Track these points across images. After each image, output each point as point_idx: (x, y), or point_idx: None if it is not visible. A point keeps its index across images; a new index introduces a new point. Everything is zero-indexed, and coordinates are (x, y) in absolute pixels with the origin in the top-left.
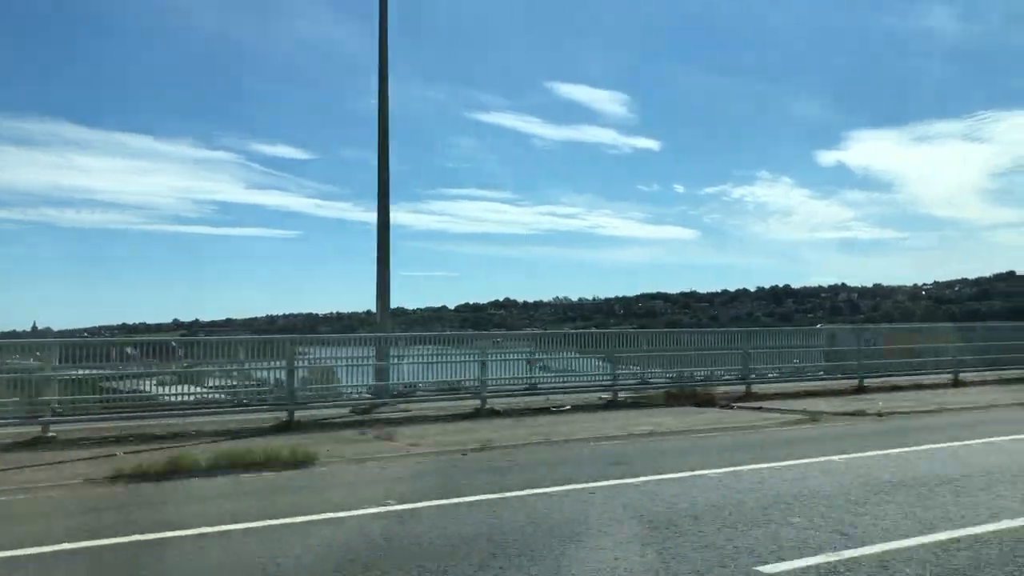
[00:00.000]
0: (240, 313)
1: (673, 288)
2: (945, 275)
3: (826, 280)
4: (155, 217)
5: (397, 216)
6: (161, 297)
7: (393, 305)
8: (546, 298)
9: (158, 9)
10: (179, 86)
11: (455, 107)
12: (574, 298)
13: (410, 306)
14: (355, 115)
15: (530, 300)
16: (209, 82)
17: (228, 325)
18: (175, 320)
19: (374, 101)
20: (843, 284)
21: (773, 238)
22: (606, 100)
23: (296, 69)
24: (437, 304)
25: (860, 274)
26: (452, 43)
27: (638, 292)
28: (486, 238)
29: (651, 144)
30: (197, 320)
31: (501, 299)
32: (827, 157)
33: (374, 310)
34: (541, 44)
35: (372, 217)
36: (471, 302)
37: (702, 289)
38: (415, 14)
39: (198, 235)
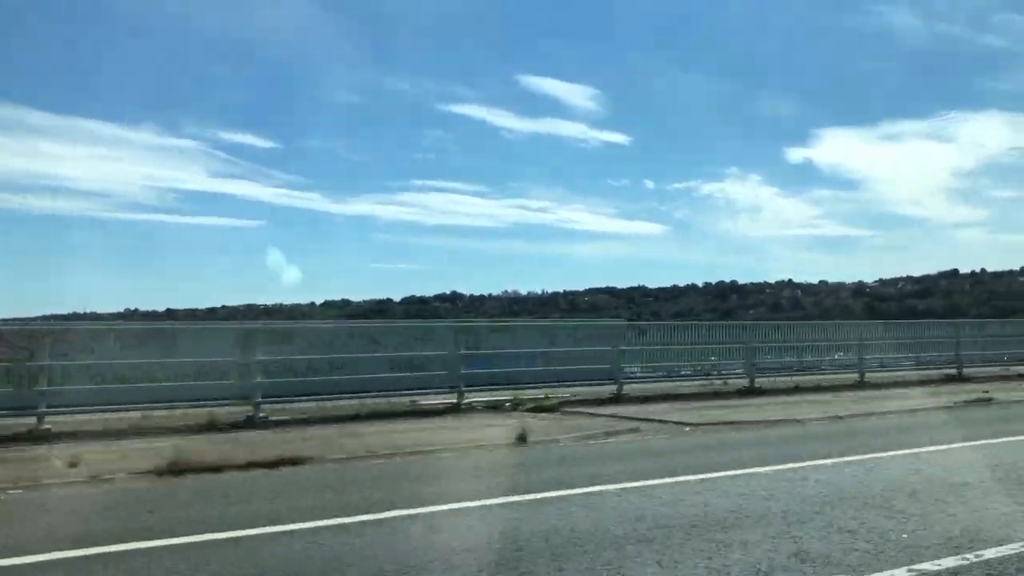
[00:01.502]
0: (194, 304)
1: (639, 282)
2: (904, 273)
3: (794, 277)
4: (115, 205)
5: (363, 208)
6: (114, 286)
7: (337, 296)
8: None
9: None
10: (142, 72)
11: (424, 98)
12: (523, 292)
13: (355, 298)
14: (321, 105)
15: (476, 293)
16: (173, 68)
17: (169, 316)
18: (127, 309)
19: (341, 90)
20: (789, 280)
21: (742, 234)
22: (576, 94)
23: (262, 57)
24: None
25: (827, 271)
26: (420, 34)
27: (587, 287)
28: (455, 231)
29: (621, 139)
30: (137, 309)
31: (448, 292)
32: (795, 154)
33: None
34: (511, 36)
35: (340, 208)
36: (417, 295)
37: (666, 284)
38: (382, 3)
39: (159, 223)
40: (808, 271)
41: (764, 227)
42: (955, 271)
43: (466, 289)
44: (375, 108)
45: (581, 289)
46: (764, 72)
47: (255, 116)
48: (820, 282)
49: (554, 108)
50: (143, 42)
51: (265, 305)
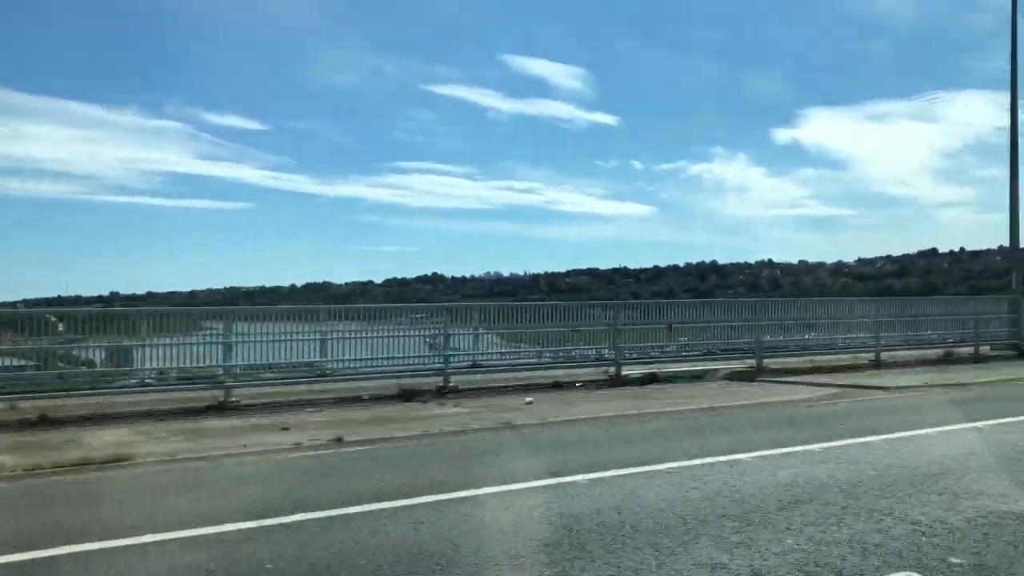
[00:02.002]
0: (177, 286)
1: (627, 264)
2: (887, 253)
3: (782, 257)
4: (100, 187)
5: (350, 189)
6: (100, 269)
7: (319, 279)
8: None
9: None
10: (124, 53)
11: (409, 79)
12: (505, 273)
13: (338, 280)
14: (307, 86)
15: (458, 275)
16: (155, 49)
17: (149, 299)
18: (113, 292)
19: (327, 71)
20: (770, 260)
21: (730, 215)
22: (563, 74)
23: (245, 37)
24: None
25: (814, 251)
26: (405, 14)
27: (575, 268)
28: (441, 212)
29: (609, 120)
30: (116, 292)
31: (429, 274)
32: (782, 135)
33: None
34: (496, 16)
35: (325, 190)
36: (398, 276)
37: (650, 265)
38: None
39: (144, 206)
40: (795, 251)
41: (751, 207)
42: (934, 250)
43: (448, 271)
44: (361, 89)
45: (564, 270)
46: (750, 53)
47: (240, 98)
48: (800, 262)
49: (541, 88)
50: (125, 22)
51: (247, 288)
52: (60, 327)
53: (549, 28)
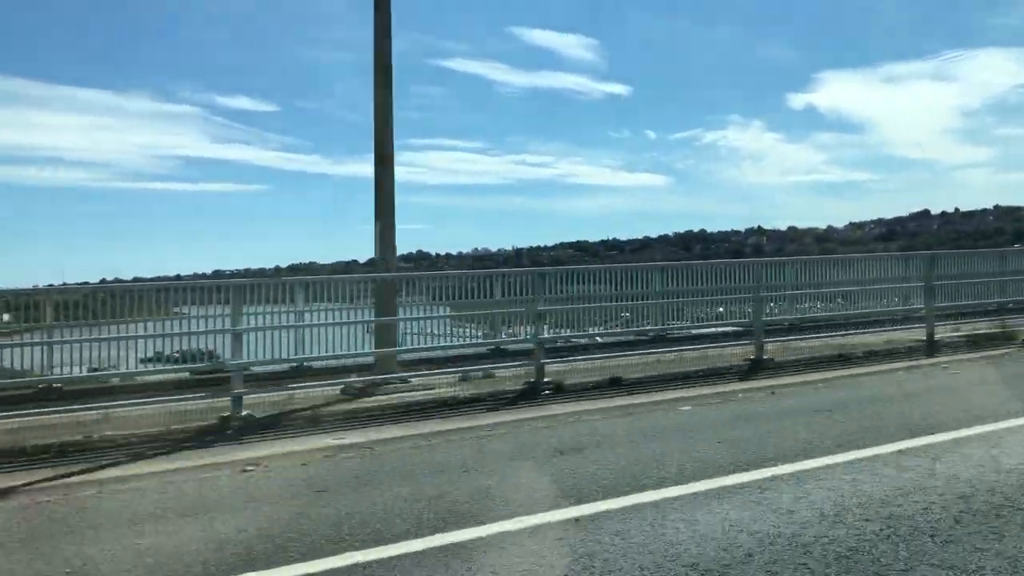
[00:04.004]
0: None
1: (642, 234)
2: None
3: (798, 223)
4: (116, 174)
5: (362, 168)
6: (118, 255)
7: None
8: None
9: None
10: (132, 38)
11: (417, 55)
12: (493, 249)
13: (323, 261)
14: (315, 65)
15: (442, 252)
16: (162, 33)
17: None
18: (135, 278)
19: (333, 49)
20: (759, 227)
21: (746, 182)
22: (573, 45)
23: (253, 18)
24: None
25: (832, 217)
26: None
27: (582, 239)
28: (454, 189)
29: (621, 89)
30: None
31: (414, 251)
32: (797, 100)
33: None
34: None
35: (337, 169)
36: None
37: (660, 233)
38: None
39: (161, 191)
40: (812, 217)
41: (768, 174)
42: (926, 211)
43: (462, 247)
44: (370, 66)
45: (551, 244)
46: (763, 18)
47: (250, 79)
48: (789, 228)
49: (551, 60)
50: (130, 6)
51: (263, 268)
52: (5, 317)
53: None
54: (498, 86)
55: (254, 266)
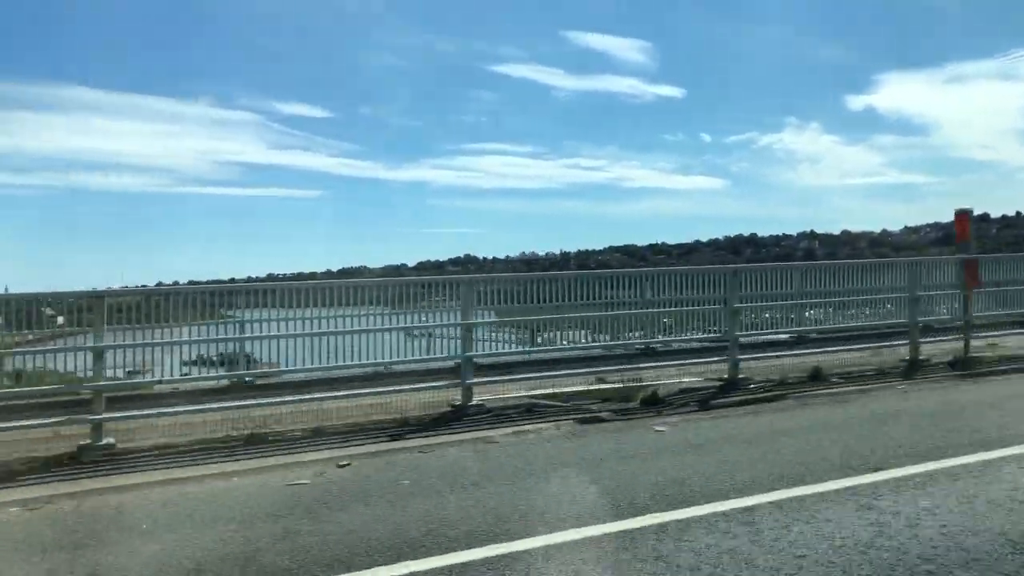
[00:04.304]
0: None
1: (695, 238)
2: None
3: (854, 226)
4: (178, 179)
5: (418, 173)
6: (179, 258)
7: (395, 262)
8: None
9: None
10: (191, 47)
11: (471, 60)
12: (541, 253)
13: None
14: (370, 71)
15: (490, 256)
16: (222, 41)
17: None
18: (191, 281)
19: (389, 55)
20: (811, 231)
21: (803, 185)
22: (626, 48)
23: (310, 26)
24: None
25: (889, 221)
26: None
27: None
28: (509, 193)
29: (675, 92)
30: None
31: (461, 256)
32: (856, 102)
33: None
34: None
35: (394, 175)
36: (432, 259)
37: (719, 236)
38: None
39: (221, 196)
40: (869, 221)
41: (825, 177)
42: (986, 215)
43: (517, 251)
44: (425, 72)
45: (599, 248)
46: (820, 17)
47: (308, 86)
48: (842, 232)
49: (604, 64)
50: (191, 16)
51: (314, 272)
52: (60, 320)
53: (609, 1)
54: (552, 90)
55: (305, 270)
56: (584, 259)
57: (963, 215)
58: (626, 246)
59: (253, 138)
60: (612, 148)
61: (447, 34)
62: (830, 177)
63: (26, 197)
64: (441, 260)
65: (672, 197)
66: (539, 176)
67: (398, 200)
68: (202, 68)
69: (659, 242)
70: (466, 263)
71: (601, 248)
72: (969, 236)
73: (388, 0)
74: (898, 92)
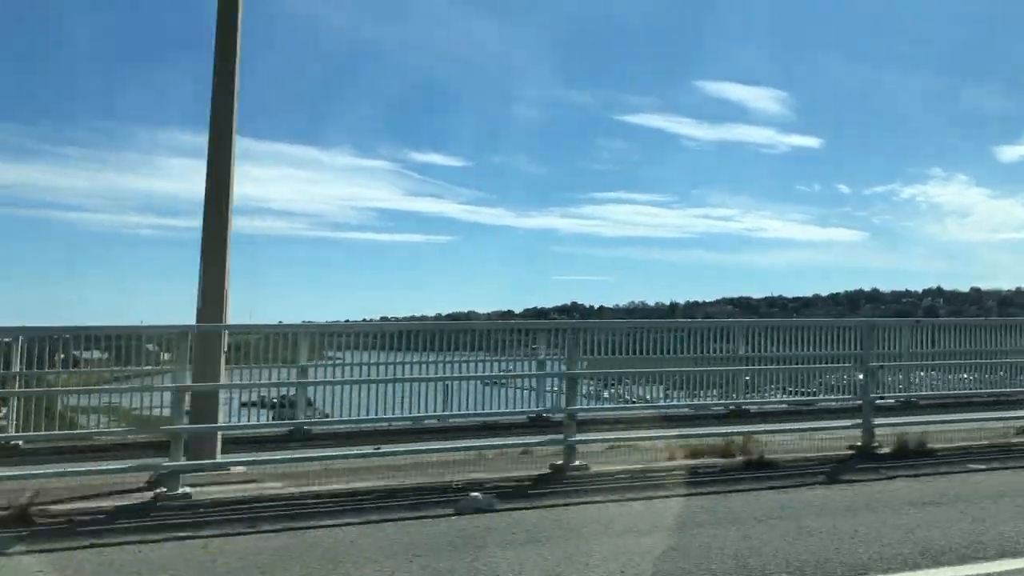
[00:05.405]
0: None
1: (830, 291)
2: None
3: (1001, 284)
4: (319, 224)
5: (545, 221)
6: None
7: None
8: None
9: (302, 19)
10: (335, 99)
11: (601, 109)
12: (651, 303)
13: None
14: (503, 122)
15: (596, 305)
16: (363, 94)
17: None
18: (347, 319)
19: (522, 106)
20: (938, 288)
21: (951, 239)
22: (760, 97)
23: (445, 79)
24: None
25: None
26: (598, 46)
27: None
28: (638, 241)
29: (811, 142)
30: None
31: (568, 303)
32: (1008, 152)
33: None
34: (687, 42)
35: (522, 222)
36: (537, 306)
37: (850, 289)
38: (560, 17)
39: (359, 241)
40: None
41: (974, 231)
42: None
43: (645, 299)
44: (556, 122)
45: (711, 300)
46: (967, 64)
47: (442, 136)
48: (972, 289)
49: (738, 113)
50: (332, 71)
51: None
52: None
53: (742, 51)
54: (681, 139)
55: (418, 313)
56: (691, 310)
57: None
58: (740, 298)
59: (390, 185)
60: (744, 198)
61: (580, 85)
62: (980, 231)
63: (178, 240)
64: (546, 307)
65: (806, 248)
66: (666, 225)
67: (524, 246)
68: (344, 120)
69: (775, 294)
70: (571, 311)
71: (713, 300)
72: None
73: (523, 52)
74: None
